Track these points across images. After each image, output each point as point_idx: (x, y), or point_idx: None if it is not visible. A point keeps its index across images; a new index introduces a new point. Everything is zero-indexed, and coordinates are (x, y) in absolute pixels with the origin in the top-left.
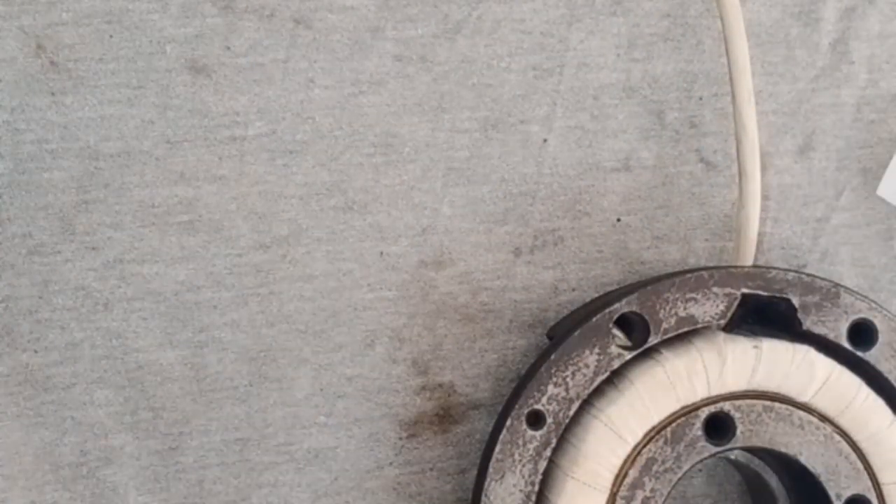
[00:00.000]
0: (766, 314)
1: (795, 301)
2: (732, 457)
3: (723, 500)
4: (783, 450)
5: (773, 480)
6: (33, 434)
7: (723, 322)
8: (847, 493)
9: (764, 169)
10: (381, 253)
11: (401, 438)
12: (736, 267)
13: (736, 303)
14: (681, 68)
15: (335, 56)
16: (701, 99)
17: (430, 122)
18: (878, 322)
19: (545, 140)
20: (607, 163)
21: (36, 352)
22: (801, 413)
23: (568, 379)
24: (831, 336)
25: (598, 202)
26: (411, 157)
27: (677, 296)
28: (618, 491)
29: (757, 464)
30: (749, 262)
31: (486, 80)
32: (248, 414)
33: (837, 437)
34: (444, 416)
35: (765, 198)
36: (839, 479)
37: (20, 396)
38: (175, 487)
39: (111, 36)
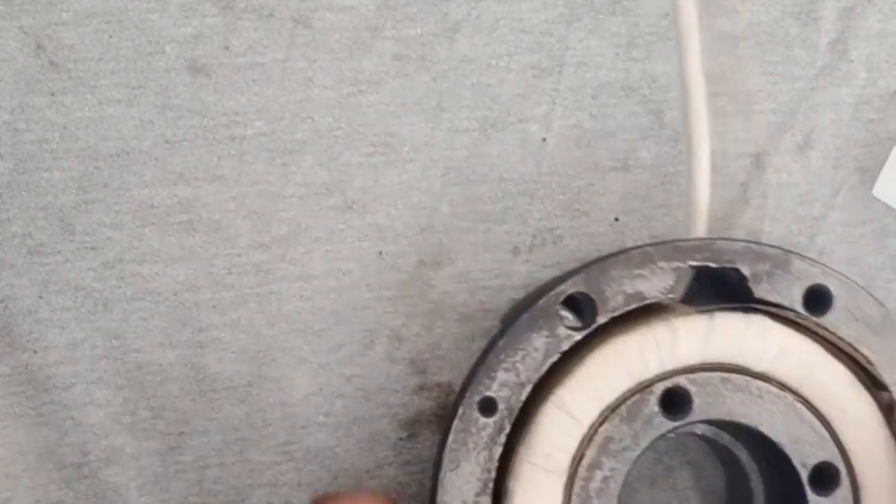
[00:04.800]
0: (722, 287)
1: (745, 270)
2: (699, 432)
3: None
4: (743, 420)
5: (742, 454)
6: (35, 434)
7: (672, 296)
8: (813, 461)
9: (763, 168)
10: (380, 252)
11: (400, 438)
12: (682, 240)
13: (688, 276)
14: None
15: (334, 56)
16: None
17: (429, 122)
18: (834, 287)
19: (544, 139)
20: (606, 162)
21: (36, 352)
22: (759, 383)
23: (518, 364)
24: (786, 303)
25: (596, 201)
26: (410, 157)
27: (623, 273)
28: (576, 472)
29: (727, 439)
30: (700, 234)
31: (486, 80)
32: (247, 414)
33: (799, 405)
34: (443, 416)
35: (763, 196)
36: (803, 447)
37: (22, 396)
38: (175, 487)
39: (111, 36)
